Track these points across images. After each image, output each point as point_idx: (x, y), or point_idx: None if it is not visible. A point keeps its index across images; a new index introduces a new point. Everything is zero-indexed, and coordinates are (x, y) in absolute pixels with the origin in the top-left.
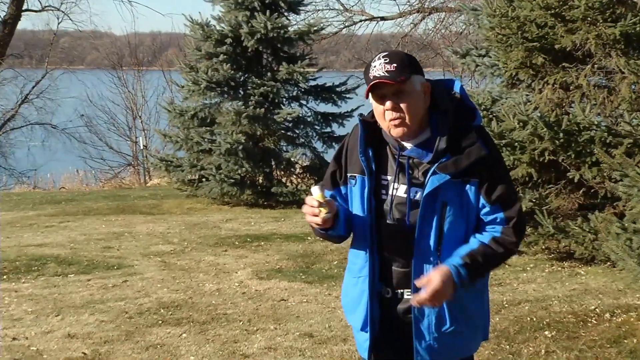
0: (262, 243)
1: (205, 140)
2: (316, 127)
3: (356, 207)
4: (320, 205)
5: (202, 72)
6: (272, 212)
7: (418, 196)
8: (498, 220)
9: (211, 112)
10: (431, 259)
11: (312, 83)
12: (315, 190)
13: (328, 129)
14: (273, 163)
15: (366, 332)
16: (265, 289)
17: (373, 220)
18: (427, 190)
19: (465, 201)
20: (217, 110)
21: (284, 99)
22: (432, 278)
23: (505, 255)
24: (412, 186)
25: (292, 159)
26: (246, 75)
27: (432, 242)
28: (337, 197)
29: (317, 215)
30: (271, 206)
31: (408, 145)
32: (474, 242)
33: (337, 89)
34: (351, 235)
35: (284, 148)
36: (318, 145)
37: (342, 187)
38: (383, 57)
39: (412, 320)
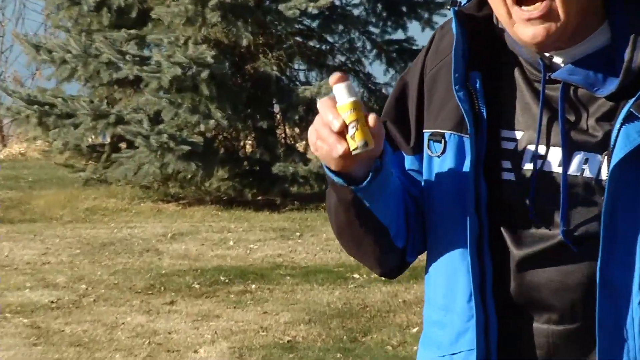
0: (254, 286)
1: (128, 57)
2: (372, 28)
3: (444, 199)
4: (347, 123)
5: None
6: (275, 217)
7: (589, 171)
8: None
9: None
10: (636, 306)
11: None
12: (341, 89)
13: (398, 33)
14: (276, 109)
15: None
16: None
17: (484, 226)
18: (617, 155)
19: None
20: None
21: None
22: None
23: None
24: (577, 149)
25: (317, 99)
26: None
27: (637, 271)
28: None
29: (335, 142)
30: (272, 204)
31: (560, 60)
32: None
33: None
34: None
35: (301, 76)
36: (376, 69)
37: (409, 157)
38: None
39: None
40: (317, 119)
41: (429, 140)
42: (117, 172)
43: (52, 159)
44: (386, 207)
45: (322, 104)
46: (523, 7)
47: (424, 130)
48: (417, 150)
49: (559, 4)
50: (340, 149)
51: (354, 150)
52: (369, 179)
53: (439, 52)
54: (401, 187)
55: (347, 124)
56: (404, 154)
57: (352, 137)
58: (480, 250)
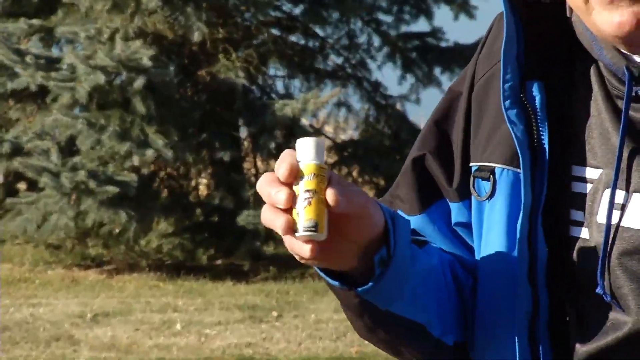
0: None
1: (29, 59)
2: (381, 15)
3: (489, 263)
4: (300, 192)
5: None
6: (241, 290)
7: None
8: None
9: None
10: None
11: None
12: (307, 145)
13: (420, 24)
14: (243, 133)
15: None
16: None
17: (540, 303)
18: None
19: None
20: None
21: None
22: None
23: None
24: None
25: (303, 119)
26: None
27: None
28: (430, 233)
29: (277, 218)
30: (237, 271)
31: None
32: None
33: None
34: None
35: (278, 85)
36: (388, 76)
37: (455, 205)
38: None
39: None
40: (262, 184)
41: (474, 177)
42: (12, 225)
43: None
44: (415, 302)
45: (263, 178)
46: None
47: (470, 164)
48: (465, 194)
49: None
50: (282, 222)
51: (296, 232)
52: (373, 277)
53: (492, 52)
54: (444, 261)
55: (297, 194)
56: (449, 202)
57: (298, 214)
58: (533, 336)
